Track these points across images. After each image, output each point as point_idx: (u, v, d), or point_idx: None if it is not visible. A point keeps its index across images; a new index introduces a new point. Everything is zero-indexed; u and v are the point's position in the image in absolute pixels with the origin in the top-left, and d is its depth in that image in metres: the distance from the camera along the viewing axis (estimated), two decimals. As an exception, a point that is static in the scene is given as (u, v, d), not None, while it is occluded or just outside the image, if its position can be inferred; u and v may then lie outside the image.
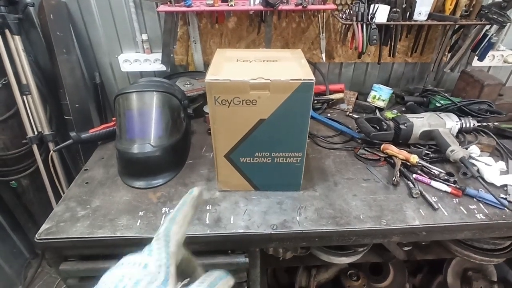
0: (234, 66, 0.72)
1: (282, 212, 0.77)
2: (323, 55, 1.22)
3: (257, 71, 0.67)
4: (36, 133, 1.22)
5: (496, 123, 1.02)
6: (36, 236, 0.71)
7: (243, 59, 0.76)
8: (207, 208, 0.78)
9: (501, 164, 0.91)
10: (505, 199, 0.80)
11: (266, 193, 0.83)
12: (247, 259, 0.75)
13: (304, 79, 0.64)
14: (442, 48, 1.18)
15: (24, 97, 1.17)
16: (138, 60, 1.23)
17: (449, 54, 1.23)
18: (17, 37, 1.10)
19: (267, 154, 0.75)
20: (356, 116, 1.19)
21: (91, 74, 1.30)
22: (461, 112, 1.07)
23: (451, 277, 1.32)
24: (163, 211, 0.77)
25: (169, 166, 0.87)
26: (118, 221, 0.74)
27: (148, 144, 0.83)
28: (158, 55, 1.20)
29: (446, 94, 1.14)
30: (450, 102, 1.10)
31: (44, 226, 0.73)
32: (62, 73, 1.13)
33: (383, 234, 0.76)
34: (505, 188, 0.84)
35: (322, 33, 1.20)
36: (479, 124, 1.00)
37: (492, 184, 0.84)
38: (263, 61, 0.75)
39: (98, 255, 0.74)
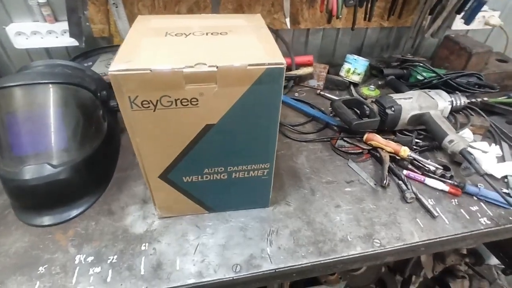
0: (159, 45, 0.46)
1: (246, 243, 0.57)
2: (287, 20, 0.98)
3: (196, 53, 0.43)
4: None
5: (485, 99, 0.89)
6: None
7: (175, 31, 0.50)
8: (142, 248, 0.56)
9: (496, 149, 0.79)
10: (509, 195, 0.68)
11: (224, 215, 0.62)
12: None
13: (269, 64, 0.41)
14: (425, 8, 0.99)
15: None
16: (38, 32, 0.89)
17: (429, 17, 1.06)
18: None
19: (221, 169, 0.53)
20: (329, 96, 0.99)
21: (-28, 53, 0.93)
22: (446, 87, 0.92)
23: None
24: (77, 261, 0.53)
25: (85, 189, 0.62)
26: (3, 286, 0.50)
27: (46, 164, 0.56)
28: (67, 25, 0.87)
29: (429, 65, 0.97)
30: (434, 74, 0.94)
31: None
32: None
33: (376, 257, 0.60)
34: (506, 180, 0.72)
35: (285, -9, 0.95)
36: (469, 101, 0.86)
37: (492, 176, 0.71)
38: (206, 33, 0.50)
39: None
